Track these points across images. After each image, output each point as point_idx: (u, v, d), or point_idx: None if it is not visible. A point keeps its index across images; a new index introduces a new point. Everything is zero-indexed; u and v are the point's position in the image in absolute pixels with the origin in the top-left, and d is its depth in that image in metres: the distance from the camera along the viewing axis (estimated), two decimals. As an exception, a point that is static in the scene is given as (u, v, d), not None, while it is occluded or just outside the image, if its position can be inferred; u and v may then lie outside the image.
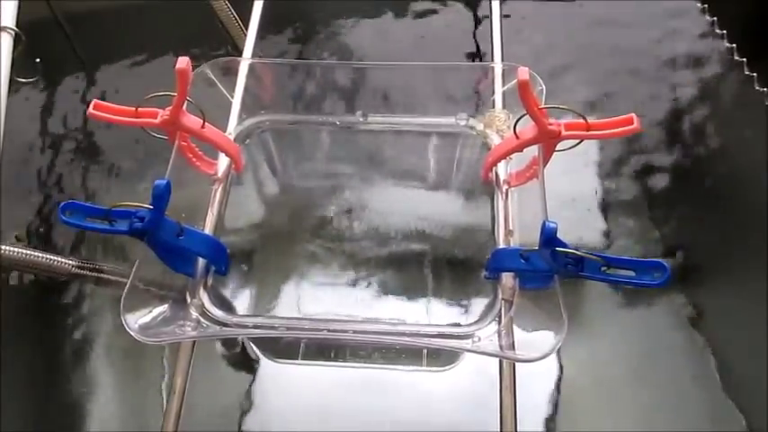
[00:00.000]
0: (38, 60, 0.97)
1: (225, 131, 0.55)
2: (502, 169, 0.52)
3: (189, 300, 0.47)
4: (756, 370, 0.66)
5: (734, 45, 0.87)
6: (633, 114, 0.42)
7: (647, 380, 0.70)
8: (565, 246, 0.39)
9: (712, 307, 0.73)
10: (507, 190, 0.51)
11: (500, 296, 0.46)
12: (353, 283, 0.59)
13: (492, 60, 0.61)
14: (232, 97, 0.56)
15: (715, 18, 0.91)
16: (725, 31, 0.89)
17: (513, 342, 0.44)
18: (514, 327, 0.44)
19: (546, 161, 0.47)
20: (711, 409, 0.67)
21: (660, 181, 0.82)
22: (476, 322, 0.46)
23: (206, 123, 0.48)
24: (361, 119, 0.57)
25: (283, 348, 0.64)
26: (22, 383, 0.72)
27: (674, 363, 0.70)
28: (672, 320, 0.73)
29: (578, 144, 0.45)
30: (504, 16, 0.64)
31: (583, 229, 0.79)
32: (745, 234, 0.75)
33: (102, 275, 0.69)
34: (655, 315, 0.73)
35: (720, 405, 0.67)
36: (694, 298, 0.73)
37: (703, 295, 0.73)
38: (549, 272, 0.41)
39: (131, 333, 0.41)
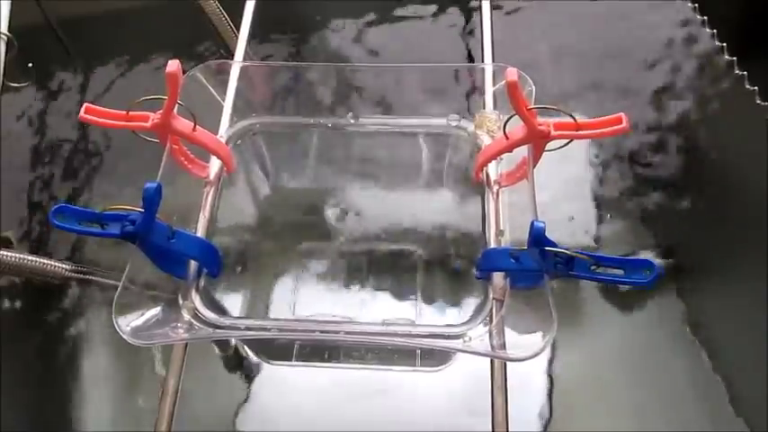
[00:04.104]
0: (30, 65, 0.97)
1: (216, 134, 0.55)
2: (492, 170, 0.53)
3: (181, 302, 0.47)
4: (754, 370, 0.67)
5: (724, 44, 0.88)
6: (622, 114, 0.42)
7: (643, 380, 0.70)
8: (554, 245, 0.39)
9: (708, 308, 0.73)
10: (498, 190, 0.52)
11: (491, 296, 0.46)
12: (345, 285, 0.60)
13: (482, 61, 0.61)
14: (223, 100, 0.57)
15: (705, 17, 0.92)
16: (715, 31, 0.90)
17: (504, 341, 0.44)
18: (505, 326, 0.45)
19: (536, 161, 0.47)
20: (709, 410, 0.67)
21: (652, 181, 0.82)
22: (467, 322, 0.46)
23: (197, 126, 0.48)
24: (352, 120, 0.57)
25: (276, 350, 0.64)
26: (16, 386, 0.72)
27: (669, 363, 0.70)
28: (668, 321, 0.73)
29: (568, 144, 0.45)
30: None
31: (575, 229, 0.79)
32: (740, 234, 0.76)
33: (95, 279, 0.69)
34: (650, 315, 0.73)
35: (718, 406, 0.67)
36: (690, 299, 0.73)
37: (699, 296, 0.74)
38: (539, 271, 0.41)
39: (123, 335, 0.41)
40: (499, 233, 0.49)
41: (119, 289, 0.42)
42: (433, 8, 1.00)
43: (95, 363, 0.73)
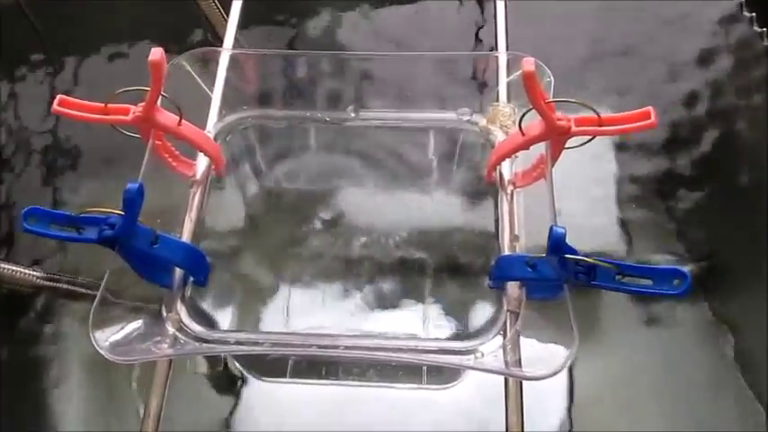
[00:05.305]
0: (-2, 50, 0.96)
1: (204, 129, 0.55)
2: (506, 168, 0.52)
3: (165, 314, 0.47)
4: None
5: (764, 30, 0.88)
6: (650, 107, 0.42)
7: (669, 397, 0.69)
8: (575, 252, 0.39)
9: (740, 317, 0.72)
10: (512, 191, 0.51)
11: (505, 307, 0.46)
12: (345, 294, 0.59)
13: (496, 50, 0.61)
14: (211, 91, 0.56)
15: (743, 0, 0.91)
16: (754, 14, 0.90)
17: (520, 358, 0.44)
18: (521, 341, 0.44)
19: (554, 159, 0.47)
20: (742, 427, 0.67)
21: (682, 179, 0.82)
22: (479, 336, 0.46)
23: (183, 120, 0.47)
24: (352, 114, 0.57)
25: (270, 366, 0.64)
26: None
27: (698, 378, 0.70)
28: (696, 332, 0.72)
29: (590, 141, 0.45)
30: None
31: (598, 234, 0.79)
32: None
33: (70, 287, 0.69)
34: (677, 326, 0.73)
35: (752, 423, 0.67)
36: (720, 307, 0.73)
37: (730, 305, 0.73)
38: (558, 281, 0.41)
39: (101, 351, 0.40)
40: (514, 238, 0.49)
41: (96, 300, 0.41)
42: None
43: (70, 382, 0.73)
